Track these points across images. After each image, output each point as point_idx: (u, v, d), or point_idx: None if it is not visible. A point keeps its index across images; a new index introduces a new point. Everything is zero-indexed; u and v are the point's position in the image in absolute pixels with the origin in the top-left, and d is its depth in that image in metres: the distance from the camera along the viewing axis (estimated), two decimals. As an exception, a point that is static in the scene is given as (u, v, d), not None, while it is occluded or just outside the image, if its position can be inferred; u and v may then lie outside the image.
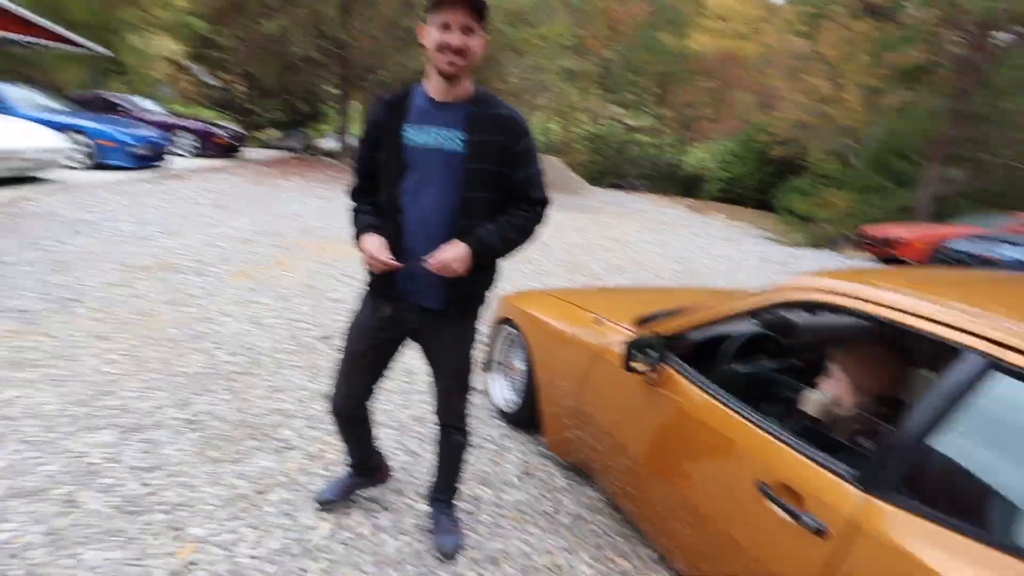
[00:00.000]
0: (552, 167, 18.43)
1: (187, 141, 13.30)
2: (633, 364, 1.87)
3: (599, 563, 2.09)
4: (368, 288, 1.85)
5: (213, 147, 13.53)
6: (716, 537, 1.65)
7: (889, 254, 9.78)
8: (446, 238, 1.66)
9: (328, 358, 3.57)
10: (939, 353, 1.33)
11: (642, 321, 2.29)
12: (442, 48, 1.56)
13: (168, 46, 25.18)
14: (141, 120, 11.80)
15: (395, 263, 1.64)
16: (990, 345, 1.22)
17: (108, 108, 12.77)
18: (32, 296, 3.95)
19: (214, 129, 14.02)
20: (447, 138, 1.65)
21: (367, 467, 2.20)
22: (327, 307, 4.55)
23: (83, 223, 6.08)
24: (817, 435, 1.63)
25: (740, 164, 24.97)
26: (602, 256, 7.99)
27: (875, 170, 15.14)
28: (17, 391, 2.75)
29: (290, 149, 22.47)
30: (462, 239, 1.65)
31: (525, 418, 2.90)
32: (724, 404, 1.71)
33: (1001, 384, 1.18)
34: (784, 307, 1.75)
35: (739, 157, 25.12)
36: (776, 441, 1.52)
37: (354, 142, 19.35)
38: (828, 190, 16.03)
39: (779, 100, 20.57)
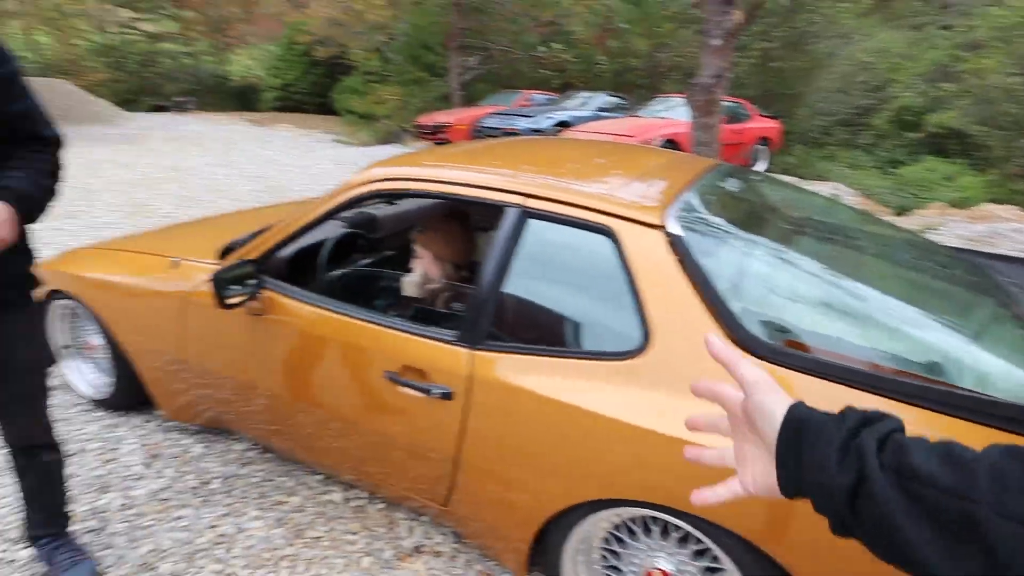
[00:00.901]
0: (60, 93, 14.49)
1: None
2: (227, 299, 1.74)
3: (268, 511, 2.02)
4: None
5: None
6: (368, 436, 1.74)
7: (442, 139, 11.19)
8: None
9: None
10: (491, 212, 1.62)
11: (226, 251, 2.13)
12: None
13: None
14: None
15: None
16: (522, 198, 1.54)
17: None
18: None
19: None
20: None
21: None
22: None
23: None
24: (422, 313, 1.84)
25: (289, 69, 24.07)
26: (167, 189, 6.92)
27: (411, 63, 16.62)
28: None
29: None
30: None
31: (126, 398, 2.47)
32: (333, 311, 1.75)
33: (537, 227, 1.52)
34: (357, 202, 1.83)
35: (286, 61, 24.13)
36: (389, 330, 1.64)
37: None
38: (378, 86, 16.96)
39: (308, -2, 20.15)
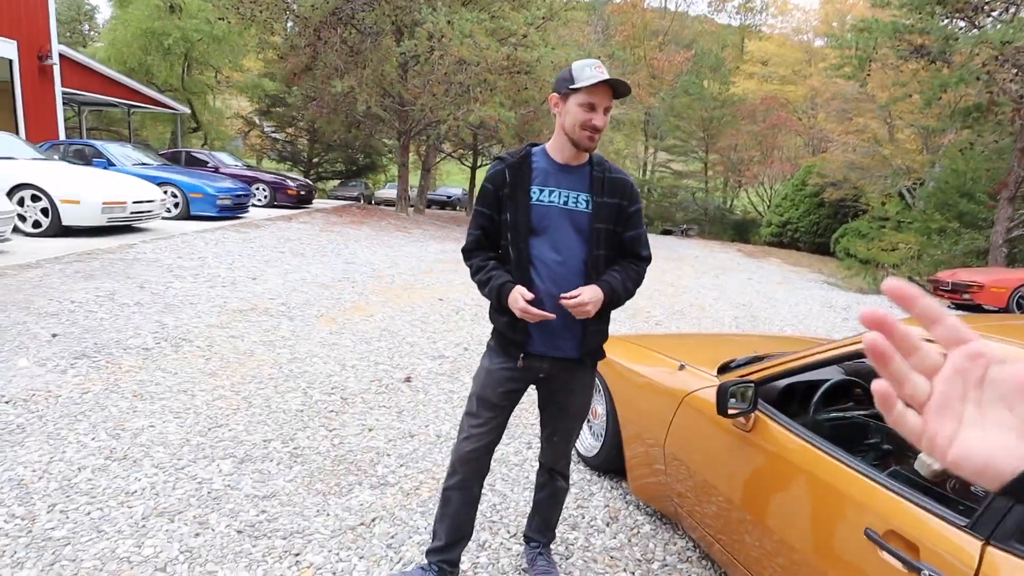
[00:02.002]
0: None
1: (261, 192, 14.24)
2: (728, 409, 1.96)
3: (694, 612, 2.13)
4: (497, 340, 1.94)
5: (285, 197, 14.47)
6: (820, 584, 1.67)
7: (964, 300, 9.44)
8: None
9: (410, 399, 3.76)
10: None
11: (723, 367, 2.38)
12: (586, 127, 1.73)
13: (240, 104, 27.15)
14: (223, 174, 12.75)
15: (549, 314, 1.74)
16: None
17: (193, 163, 13.92)
18: (149, 335, 4.35)
19: (287, 181, 15.04)
20: (574, 199, 1.81)
21: (454, 559, 2.02)
22: (405, 351, 4.78)
23: (181, 268, 6.58)
24: (922, 483, 1.67)
25: (793, 207, 24.64)
26: (661, 301, 8.03)
27: (939, 211, 14.73)
28: (145, 420, 3.07)
29: (351, 198, 23.71)
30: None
31: (604, 462, 2.97)
32: (823, 451, 1.76)
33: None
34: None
35: (791, 200, 24.82)
36: (884, 489, 1.55)
37: (414, 192, 20.16)
38: (890, 232, 15.62)
39: (829, 142, 20.35)
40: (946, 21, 12.01)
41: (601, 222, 1.81)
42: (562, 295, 1.74)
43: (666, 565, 2.38)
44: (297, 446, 2.97)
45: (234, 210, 10.89)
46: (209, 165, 14.20)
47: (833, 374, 2.29)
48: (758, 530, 1.93)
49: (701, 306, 8.04)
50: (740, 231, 28.55)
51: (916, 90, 13.41)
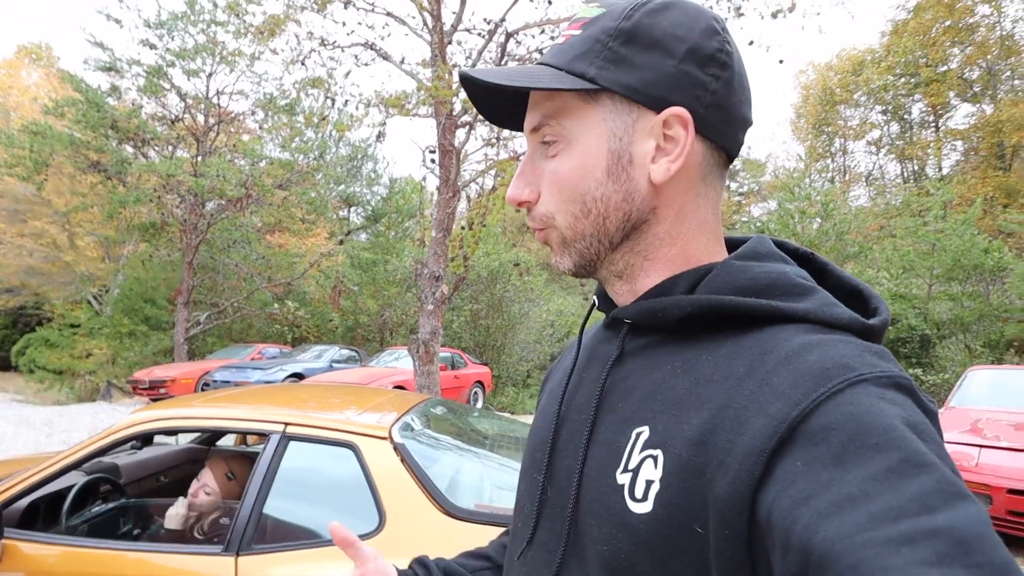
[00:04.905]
0: None
1: None
2: None
3: None
4: None
5: None
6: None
7: (161, 395, 10.40)
8: None
9: None
10: (254, 440, 2.03)
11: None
12: None
13: None
14: None
15: None
16: (281, 425, 2.00)
17: None
18: None
19: None
20: None
21: None
22: None
23: None
24: (185, 536, 2.02)
25: (-47, 319, 20.30)
26: None
27: (127, 316, 15.61)
28: None
29: None
30: None
31: None
32: (89, 548, 1.85)
33: (294, 447, 1.97)
34: (121, 443, 2.05)
35: (-50, 310, 20.38)
36: (153, 555, 1.82)
37: None
38: (82, 339, 15.30)
39: (1, 244, 18.21)
40: (120, 145, 13.15)
41: None
42: None
43: None
44: None
45: None
46: None
47: (78, 478, 2.33)
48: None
49: None
50: None
51: (96, 202, 13.93)
